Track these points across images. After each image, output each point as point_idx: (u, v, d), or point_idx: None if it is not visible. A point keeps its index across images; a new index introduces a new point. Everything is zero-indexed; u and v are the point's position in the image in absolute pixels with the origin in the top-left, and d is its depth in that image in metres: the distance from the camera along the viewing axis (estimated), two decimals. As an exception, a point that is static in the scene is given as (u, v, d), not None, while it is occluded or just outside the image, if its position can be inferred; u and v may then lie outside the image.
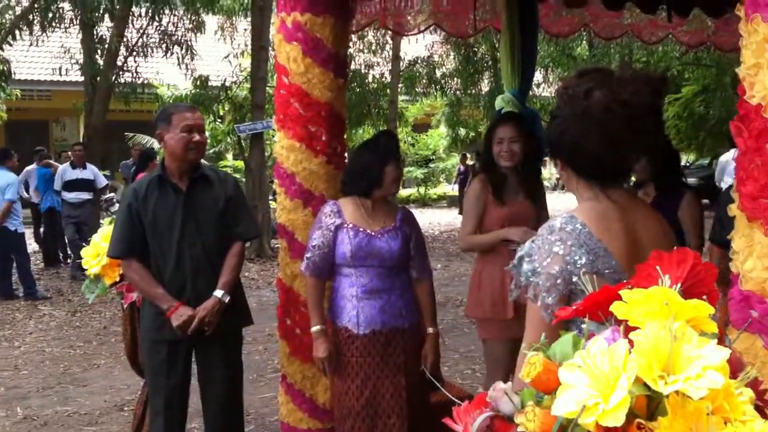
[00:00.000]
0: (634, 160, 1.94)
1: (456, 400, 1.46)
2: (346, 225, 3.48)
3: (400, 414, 3.48)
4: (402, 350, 3.54)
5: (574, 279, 1.79)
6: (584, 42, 16.89)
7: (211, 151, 19.55)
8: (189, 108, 3.73)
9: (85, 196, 11.53)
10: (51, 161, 12.91)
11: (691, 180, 21.14)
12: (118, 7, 12.79)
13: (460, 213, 18.09)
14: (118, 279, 4.10)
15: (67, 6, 12.65)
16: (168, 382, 3.65)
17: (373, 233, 3.49)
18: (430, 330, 3.63)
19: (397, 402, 3.49)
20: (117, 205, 12.66)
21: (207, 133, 14.90)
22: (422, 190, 26.30)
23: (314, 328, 3.54)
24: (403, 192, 26.28)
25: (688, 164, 25.03)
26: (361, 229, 3.49)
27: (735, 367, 1.36)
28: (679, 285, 1.41)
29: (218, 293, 3.55)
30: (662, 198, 4.17)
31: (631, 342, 1.27)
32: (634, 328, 1.31)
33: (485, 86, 18.97)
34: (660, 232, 1.94)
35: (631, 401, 1.21)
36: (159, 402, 3.69)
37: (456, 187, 22.47)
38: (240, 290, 3.81)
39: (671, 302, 1.30)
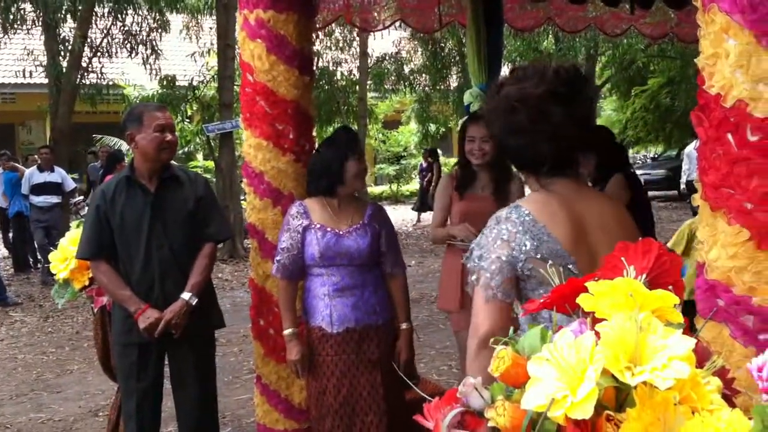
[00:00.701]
0: (567, 151, 1.96)
1: (427, 397, 1.46)
2: (313, 225, 3.47)
3: (377, 411, 3.48)
4: (377, 347, 3.52)
5: (519, 265, 1.87)
6: (550, 36, 16.98)
7: (181, 151, 19.37)
8: (159, 107, 3.68)
9: (54, 199, 11.38)
10: (17, 165, 12.73)
11: (659, 172, 21.54)
12: (80, 7, 12.62)
13: (420, 209, 17.81)
14: (87, 283, 4.06)
15: (28, 7, 12.47)
16: (139, 386, 3.62)
17: (341, 232, 3.48)
18: (404, 326, 3.61)
19: (374, 399, 3.49)
20: (87, 209, 12.56)
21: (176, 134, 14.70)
22: (394, 187, 26.31)
23: (286, 331, 3.53)
24: (375, 189, 26.29)
25: (656, 156, 25.32)
26: (329, 229, 3.47)
27: (702, 357, 1.37)
28: (644, 276, 1.41)
29: (185, 295, 3.51)
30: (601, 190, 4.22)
31: (597, 334, 1.27)
32: (602, 320, 1.32)
33: (454, 81, 19.01)
34: (611, 219, 1.98)
35: (600, 393, 1.22)
36: (131, 405, 3.66)
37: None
38: (210, 292, 3.77)
39: (636, 293, 1.31)
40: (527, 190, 2.22)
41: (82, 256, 3.71)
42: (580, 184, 2.07)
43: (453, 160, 17.29)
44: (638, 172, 23.17)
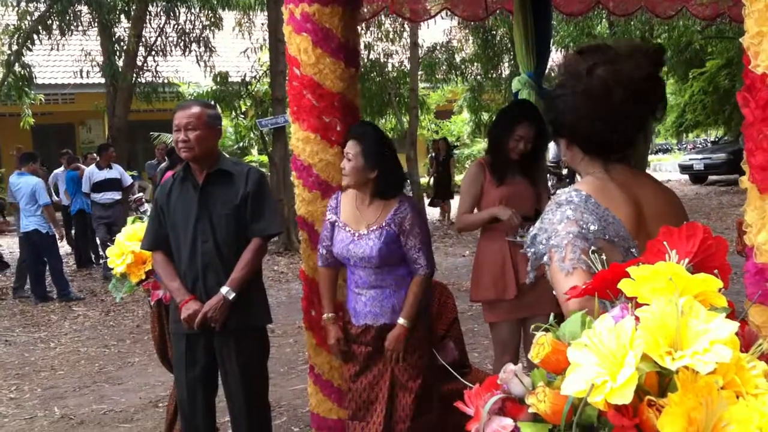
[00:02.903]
0: (636, 133, 1.93)
1: (468, 384, 1.47)
2: (338, 222, 3.56)
3: (381, 410, 3.54)
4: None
5: (589, 243, 1.79)
6: (604, 20, 16.69)
7: (236, 146, 19.64)
8: (186, 105, 3.72)
9: (115, 195, 11.64)
10: (79, 164, 13.07)
11: (720, 156, 21.01)
12: (134, 7, 12.85)
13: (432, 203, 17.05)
14: (143, 277, 4.16)
15: (85, 9, 12.74)
16: (188, 376, 3.71)
17: (357, 235, 3.50)
18: (400, 321, 3.50)
19: (383, 396, 3.55)
20: (146, 205, 12.81)
21: (230, 129, 14.91)
22: (449, 176, 26.22)
23: (324, 316, 3.66)
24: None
25: (716, 139, 24.68)
26: (348, 229, 3.53)
27: (749, 341, 1.35)
28: (687, 260, 1.39)
29: (223, 290, 3.56)
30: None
31: (638, 319, 1.26)
32: (644, 305, 1.31)
33: (506, 69, 18.81)
34: (666, 206, 1.94)
35: (640, 378, 1.20)
36: (182, 395, 3.77)
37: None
38: (258, 286, 3.80)
39: (677, 277, 1.29)
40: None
41: (143, 247, 3.92)
42: (633, 169, 2.04)
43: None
44: (698, 156, 22.69)
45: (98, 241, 12.21)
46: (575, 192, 1.88)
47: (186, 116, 3.59)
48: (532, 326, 1.44)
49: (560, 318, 1.48)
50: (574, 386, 1.25)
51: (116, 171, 11.75)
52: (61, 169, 13.17)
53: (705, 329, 1.22)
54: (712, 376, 1.20)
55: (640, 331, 1.23)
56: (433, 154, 17.37)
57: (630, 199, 1.89)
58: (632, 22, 15.30)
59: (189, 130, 3.58)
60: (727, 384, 1.22)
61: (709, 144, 26.13)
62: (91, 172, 11.74)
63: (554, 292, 1.80)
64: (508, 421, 1.34)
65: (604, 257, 1.54)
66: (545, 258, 1.83)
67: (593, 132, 1.91)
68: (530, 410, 1.33)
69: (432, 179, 16.42)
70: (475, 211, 4.15)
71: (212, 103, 3.86)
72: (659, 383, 1.26)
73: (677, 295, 1.25)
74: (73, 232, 13.12)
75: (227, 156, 3.96)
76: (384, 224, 3.47)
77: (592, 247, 1.77)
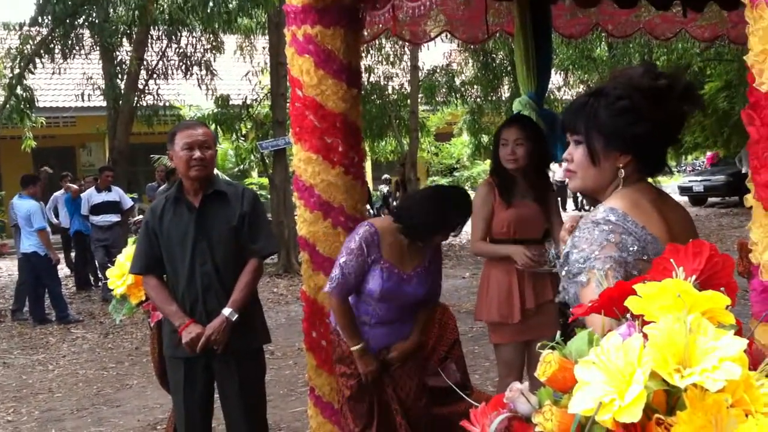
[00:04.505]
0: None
1: (473, 403, 1.45)
2: (382, 262, 3.44)
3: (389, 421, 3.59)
4: (400, 366, 3.61)
5: (629, 267, 1.78)
6: (603, 43, 16.78)
7: (236, 169, 19.66)
8: (191, 125, 3.72)
9: (113, 218, 11.63)
10: (70, 184, 13.06)
11: (719, 178, 21.05)
12: (136, 30, 12.93)
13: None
14: (144, 298, 4.13)
15: (86, 33, 12.81)
16: (186, 400, 3.68)
17: (405, 276, 3.50)
18: (409, 340, 3.63)
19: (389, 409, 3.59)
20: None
21: (231, 152, 14.91)
22: (447, 198, 26.27)
23: (355, 348, 3.50)
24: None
25: (716, 161, 24.74)
26: (396, 271, 3.48)
27: (756, 359, 1.33)
28: (694, 277, 1.38)
29: (226, 311, 3.53)
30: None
31: (646, 336, 1.25)
32: (651, 323, 1.30)
33: (506, 92, 18.89)
34: (687, 223, 1.96)
35: (648, 396, 1.19)
36: (180, 419, 3.74)
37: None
38: (256, 307, 3.78)
39: (685, 294, 1.28)
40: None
41: (133, 271, 3.82)
42: (655, 186, 2.04)
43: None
44: (698, 178, 22.67)
45: (97, 264, 12.19)
46: (611, 210, 1.85)
47: (201, 135, 3.58)
48: (539, 344, 1.42)
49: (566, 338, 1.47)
50: (582, 404, 1.23)
51: (115, 193, 11.75)
52: (61, 191, 13.18)
53: (714, 347, 1.21)
54: (721, 394, 1.19)
55: (649, 348, 1.22)
56: (401, 177, 16.51)
57: (661, 216, 1.88)
58: (631, 45, 15.38)
59: (204, 148, 3.56)
60: (736, 402, 1.21)
61: (707, 166, 26.18)
62: (90, 195, 11.75)
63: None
64: (515, 441, 1.33)
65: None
66: (581, 277, 1.80)
67: (662, 145, 1.96)
68: (537, 429, 1.32)
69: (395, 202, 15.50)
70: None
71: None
72: (667, 401, 1.25)
73: (686, 312, 1.24)
74: (72, 254, 13.09)
75: (219, 176, 3.94)
76: (426, 264, 3.56)
77: (634, 272, 1.75)
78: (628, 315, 1.38)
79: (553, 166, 17.25)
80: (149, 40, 13.81)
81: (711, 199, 22.24)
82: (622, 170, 1.93)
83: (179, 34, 13.99)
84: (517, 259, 3.90)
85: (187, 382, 3.67)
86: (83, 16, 12.02)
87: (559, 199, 17.49)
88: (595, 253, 1.79)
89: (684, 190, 22.42)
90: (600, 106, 1.91)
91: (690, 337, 1.22)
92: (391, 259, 3.45)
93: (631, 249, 1.79)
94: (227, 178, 4.10)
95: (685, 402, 1.20)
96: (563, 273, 1.88)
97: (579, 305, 1.58)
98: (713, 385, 1.16)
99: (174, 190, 3.71)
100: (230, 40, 16.43)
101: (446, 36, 5.31)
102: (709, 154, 25.03)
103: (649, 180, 2.01)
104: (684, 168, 33.62)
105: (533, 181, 4.03)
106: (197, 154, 3.54)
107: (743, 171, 19.51)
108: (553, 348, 1.38)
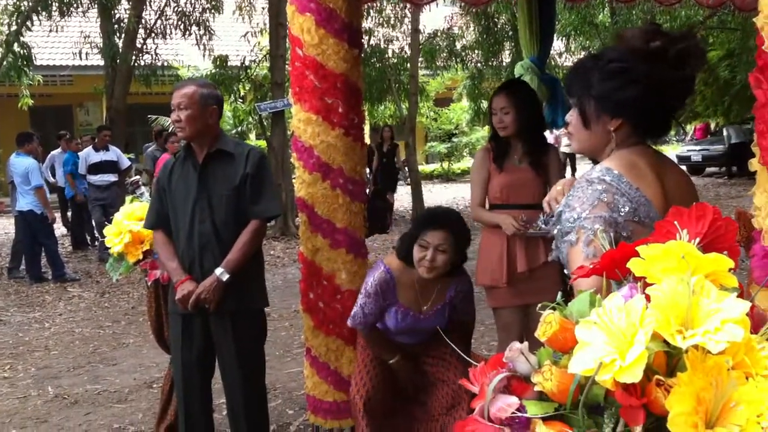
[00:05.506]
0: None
1: (474, 364, 1.45)
2: (397, 305, 3.53)
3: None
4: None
5: (619, 227, 1.79)
6: (606, 9, 16.61)
7: (234, 131, 19.53)
8: (178, 86, 3.67)
9: (111, 178, 11.63)
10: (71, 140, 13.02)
11: (718, 147, 21.01)
12: (135, -13, 12.77)
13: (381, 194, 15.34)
14: (141, 257, 4.13)
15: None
16: (184, 356, 3.70)
17: (422, 316, 3.56)
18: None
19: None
20: (143, 188, 12.76)
21: (228, 113, 14.87)
22: (446, 165, 26.19)
23: (392, 362, 3.66)
24: (427, 167, 26.18)
25: (715, 131, 24.65)
26: (411, 313, 3.54)
27: (757, 323, 1.33)
28: (697, 240, 1.37)
29: (218, 271, 3.52)
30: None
31: (648, 297, 1.24)
32: (652, 285, 1.29)
33: (506, 57, 18.72)
34: (687, 187, 1.94)
35: (649, 357, 1.19)
36: (178, 375, 3.76)
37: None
38: (255, 269, 3.75)
39: (689, 256, 1.27)
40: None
41: (145, 226, 3.90)
42: (656, 150, 2.02)
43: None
44: (696, 147, 22.65)
45: (94, 223, 12.17)
46: (607, 170, 1.85)
47: (179, 96, 3.56)
48: (539, 305, 1.42)
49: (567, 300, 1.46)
50: (582, 365, 1.23)
51: (113, 153, 11.71)
52: (59, 150, 13.12)
53: (716, 308, 1.21)
54: (721, 356, 1.18)
55: (651, 309, 1.21)
56: (378, 142, 14.96)
57: (658, 180, 1.87)
58: (634, 11, 15.23)
59: (181, 109, 3.54)
60: (736, 364, 1.20)
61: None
62: (87, 154, 11.70)
63: (566, 270, 1.79)
64: (513, 399, 1.32)
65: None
66: (570, 236, 1.81)
67: (657, 109, 1.91)
68: (536, 389, 1.31)
69: (375, 170, 14.29)
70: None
71: (210, 82, 3.73)
72: (668, 363, 1.24)
73: (689, 273, 1.23)
74: (69, 214, 13.06)
75: (229, 137, 3.91)
76: (447, 300, 3.58)
77: (623, 233, 1.75)
78: (630, 277, 1.38)
79: (561, 137, 17.08)
80: (147, -2, 13.65)
81: (710, 169, 22.21)
82: (614, 134, 1.92)
83: (178, -8, 13.83)
84: (504, 228, 3.91)
85: (185, 337, 3.68)
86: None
87: (568, 165, 17.35)
88: (586, 212, 1.80)
89: (682, 159, 22.39)
90: (594, 68, 1.89)
91: (693, 299, 1.21)
92: (406, 303, 3.54)
93: (622, 210, 1.80)
94: (237, 139, 4.05)
95: (686, 363, 1.19)
96: (555, 231, 1.88)
97: (581, 266, 1.56)
98: (715, 347, 1.15)
99: (183, 147, 3.73)
100: (229, 0, 16.25)
101: (448, -3, 5.24)
102: (698, 125, 24.85)
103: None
104: (683, 137, 33.51)
105: (529, 146, 4.02)
106: (174, 115, 3.56)
107: (732, 141, 19.50)
108: (553, 309, 1.37)
